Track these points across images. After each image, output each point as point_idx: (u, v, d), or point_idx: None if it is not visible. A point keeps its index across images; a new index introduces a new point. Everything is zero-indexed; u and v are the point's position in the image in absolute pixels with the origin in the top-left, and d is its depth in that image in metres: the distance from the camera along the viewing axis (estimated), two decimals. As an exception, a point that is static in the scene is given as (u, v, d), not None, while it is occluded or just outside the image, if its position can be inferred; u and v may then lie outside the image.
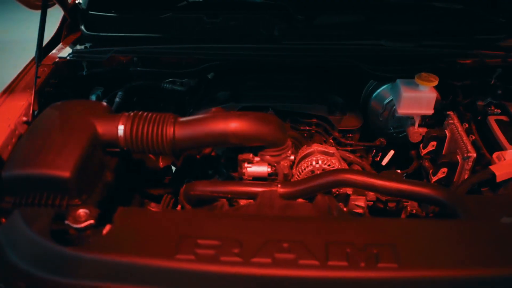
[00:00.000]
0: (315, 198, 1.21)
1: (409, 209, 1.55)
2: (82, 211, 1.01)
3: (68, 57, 1.75)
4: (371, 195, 1.54)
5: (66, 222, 1.00)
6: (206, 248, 0.92)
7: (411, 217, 1.51)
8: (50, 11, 1.83)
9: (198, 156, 1.79)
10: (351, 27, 1.79)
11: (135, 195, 1.76)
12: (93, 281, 0.90)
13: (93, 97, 1.84)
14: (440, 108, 1.71)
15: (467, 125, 1.57)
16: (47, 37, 1.91)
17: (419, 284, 0.89)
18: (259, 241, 0.94)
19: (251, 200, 1.25)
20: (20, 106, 1.51)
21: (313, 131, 1.72)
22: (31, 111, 1.49)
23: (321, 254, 0.91)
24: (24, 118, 1.48)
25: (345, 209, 1.55)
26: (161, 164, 1.85)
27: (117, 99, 1.79)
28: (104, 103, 1.56)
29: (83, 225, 1.00)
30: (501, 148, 1.45)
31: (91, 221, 1.00)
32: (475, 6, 1.74)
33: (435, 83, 1.55)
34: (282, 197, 1.26)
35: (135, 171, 1.70)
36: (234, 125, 1.33)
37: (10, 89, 1.59)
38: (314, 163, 1.47)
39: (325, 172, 1.33)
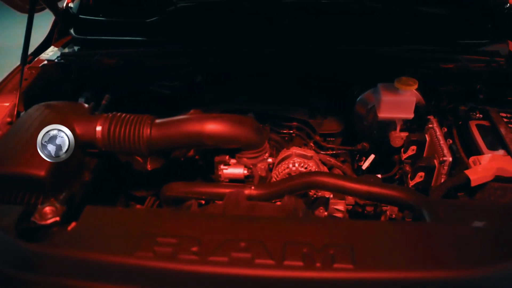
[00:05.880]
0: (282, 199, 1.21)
1: (388, 214, 1.55)
2: (48, 209, 1.04)
3: (56, 60, 1.78)
4: (350, 199, 1.55)
5: (32, 219, 1.02)
6: (165, 246, 0.94)
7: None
8: (43, 15, 1.89)
9: (182, 159, 1.81)
10: (334, 32, 1.80)
11: (121, 196, 1.78)
12: (53, 277, 0.92)
13: (82, 100, 1.87)
14: (423, 113, 1.70)
15: (446, 130, 1.57)
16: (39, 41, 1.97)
17: (373, 285, 0.89)
18: (217, 240, 0.95)
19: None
20: (5, 107, 1.55)
21: (293, 134, 1.73)
22: (15, 112, 1.53)
23: (277, 254, 0.92)
24: (8, 119, 1.52)
25: (325, 213, 1.56)
26: (149, 167, 1.88)
27: (104, 102, 1.82)
28: (85, 105, 1.59)
29: (48, 222, 1.02)
30: (479, 152, 1.44)
31: (57, 218, 1.03)
32: (459, 11, 1.74)
33: (415, 87, 1.55)
34: (254, 199, 1.27)
35: (122, 173, 1.72)
36: (208, 126, 1.35)
37: (-3, 91, 1.63)
38: (291, 165, 1.49)
39: (297, 175, 1.34)
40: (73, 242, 0.97)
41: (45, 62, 1.78)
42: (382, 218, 1.56)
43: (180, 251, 0.93)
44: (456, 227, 0.98)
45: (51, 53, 1.87)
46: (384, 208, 1.55)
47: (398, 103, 1.57)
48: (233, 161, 1.46)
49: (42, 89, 1.72)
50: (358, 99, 1.81)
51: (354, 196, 1.34)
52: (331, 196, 1.53)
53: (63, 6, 1.98)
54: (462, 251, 0.92)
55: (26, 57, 1.63)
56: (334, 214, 1.56)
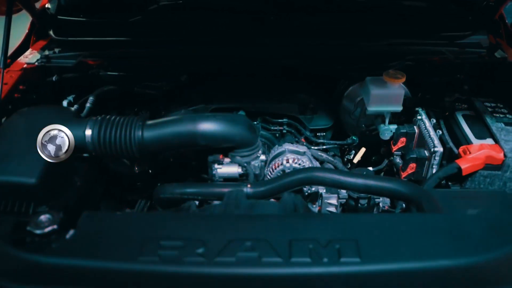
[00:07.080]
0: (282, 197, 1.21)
1: (380, 206, 1.57)
2: (44, 217, 1.00)
3: (36, 63, 1.73)
4: (343, 193, 1.56)
5: (28, 228, 0.99)
6: (169, 249, 0.92)
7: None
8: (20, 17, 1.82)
9: (171, 159, 1.79)
10: (321, 28, 1.80)
11: (111, 200, 1.75)
12: (55, 287, 0.89)
13: (65, 103, 1.81)
14: (411, 105, 1.73)
15: (434, 121, 1.59)
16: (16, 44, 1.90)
17: (381, 277, 0.90)
18: (222, 241, 0.94)
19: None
20: (-15, 114, 1.49)
21: (284, 131, 1.73)
22: (-3, 119, 1.47)
23: (284, 251, 0.92)
24: (-10, 126, 1.46)
25: (319, 207, 1.57)
26: (136, 169, 1.84)
27: (88, 105, 1.77)
28: (72, 108, 1.55)
29: (45, 230, 0.98)
30: (467, 142, 1.48)
31: (54, 226, 0.99)
32: (441, 4, 1.77)
33: (402, 80, 1.57)
34: (251, 197, 1.26)
35: (110, 177, 1.68)
36: (202, 126, 1.33)
37: (-24, 97, 1.57)
38: (284, 162, 1.48)
39: (293, 171, 1.33)
40: (74, 251, 0.94)
41: (25, 65, 1.72)
42: (375, 210, 1.58)
43: (185, 254, 0.91)
44: (455, 216, 1.00)
45: (31, 56, 1.80)
46: (377, 200, 1.56)
47: (387, 96, 1.59)
48: (226, 160, 1.45)
49: (23, 93, 1.67)
50: (345, 93, 1.82)
51: (351, 189, 1.35)
52: (324, 190, 1.54)
53: (39, 7, 1.91)
54: (463, 239, 0.94)
55: (6, 61, 1.57)
56: (327, 209, 1.57)
